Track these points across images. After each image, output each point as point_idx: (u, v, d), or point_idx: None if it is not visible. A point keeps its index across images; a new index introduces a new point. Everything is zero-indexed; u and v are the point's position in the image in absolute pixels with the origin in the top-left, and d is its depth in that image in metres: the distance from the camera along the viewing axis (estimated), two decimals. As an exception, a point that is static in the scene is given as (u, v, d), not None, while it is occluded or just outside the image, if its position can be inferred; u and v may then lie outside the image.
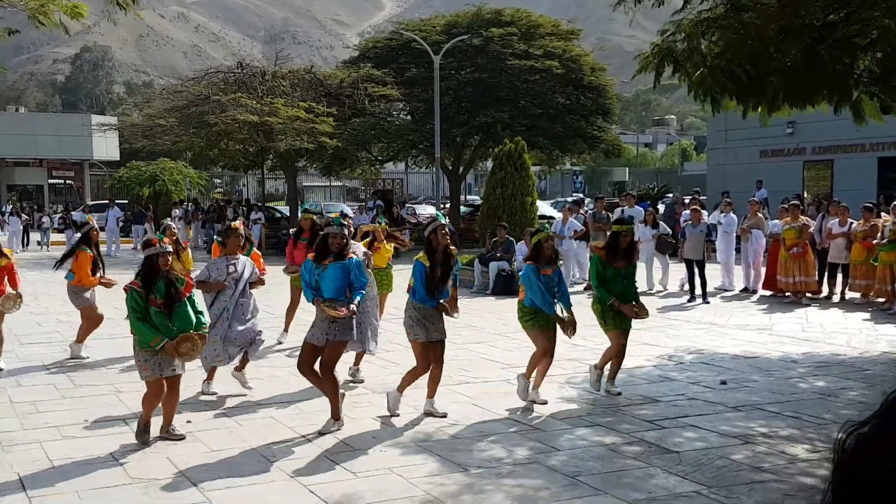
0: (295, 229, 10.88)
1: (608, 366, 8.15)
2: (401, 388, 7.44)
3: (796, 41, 8.63)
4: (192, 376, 8.34)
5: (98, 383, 8.89)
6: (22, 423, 7.31)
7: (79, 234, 11.01)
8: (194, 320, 6.64)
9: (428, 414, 7.36)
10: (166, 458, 6.27)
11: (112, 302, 10.81)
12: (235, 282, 8.28)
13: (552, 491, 5.51)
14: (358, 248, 8.36)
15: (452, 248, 7.44)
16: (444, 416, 7.32)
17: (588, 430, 6.94)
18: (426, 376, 7.40)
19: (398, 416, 7.35)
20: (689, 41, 8.89)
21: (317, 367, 7.03)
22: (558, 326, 7.68)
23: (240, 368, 8.46)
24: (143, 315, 6.46)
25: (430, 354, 7.27)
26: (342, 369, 8.84)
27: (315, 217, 11.15)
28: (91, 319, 10.24)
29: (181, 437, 6.72)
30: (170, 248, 6.77)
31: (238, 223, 8.99)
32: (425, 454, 6.33)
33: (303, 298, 11.09)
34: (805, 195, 25.57)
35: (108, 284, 10.26)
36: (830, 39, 8.51)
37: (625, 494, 5.42)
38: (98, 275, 10.21)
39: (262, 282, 8.80)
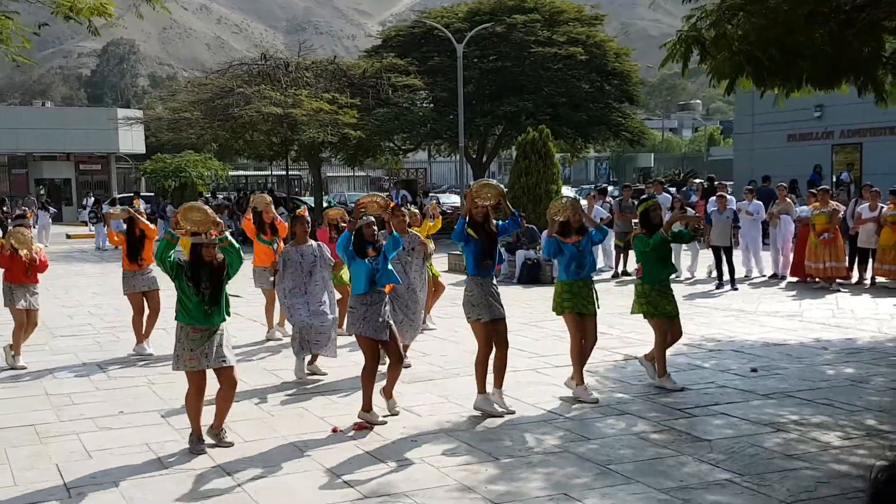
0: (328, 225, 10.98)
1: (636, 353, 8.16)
2: (481, 388, 7.17)
3: (823, 25, 8.55)
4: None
5: (131, 375, 9.02)
6: (58, 415, 7.44)
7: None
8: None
9: (485, 413, 7.09)
10: (201, 449, 6.36)
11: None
12: (309, 268, 8.64)
13: (584, 479, 5.53)
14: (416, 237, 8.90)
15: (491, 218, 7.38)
16: (513, 412, 7.08)
17: (618, 419, 6.94)
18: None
19: (502, 413, 7.09)
20: (716, 27, 8.83)
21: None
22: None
23: (312, 361, 8.80)
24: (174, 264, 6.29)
25: (493, 336, 7.08)
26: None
27: (343, 211, 11.27)
28: (136, 309, 10.13)
29: (229, 445, 6.43)
30: (214, 240, 6.74)
31: (302, 210, 9.26)
32: (456, 444, 6.37)
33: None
34: (833, 179, 25.30)
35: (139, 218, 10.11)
36: (858, 23, 8.41)
37: (657, 483, 5.43)
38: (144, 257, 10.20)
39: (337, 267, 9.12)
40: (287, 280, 8.69)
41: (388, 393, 7.24)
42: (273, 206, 11.21)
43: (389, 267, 7.15)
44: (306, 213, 9.16)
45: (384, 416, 7.03)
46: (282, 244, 10.50)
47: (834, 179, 26.46)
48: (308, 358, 8.75)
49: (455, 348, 9.86)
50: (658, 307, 7.86)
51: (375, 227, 7.17)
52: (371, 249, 7.07)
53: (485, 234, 7.18)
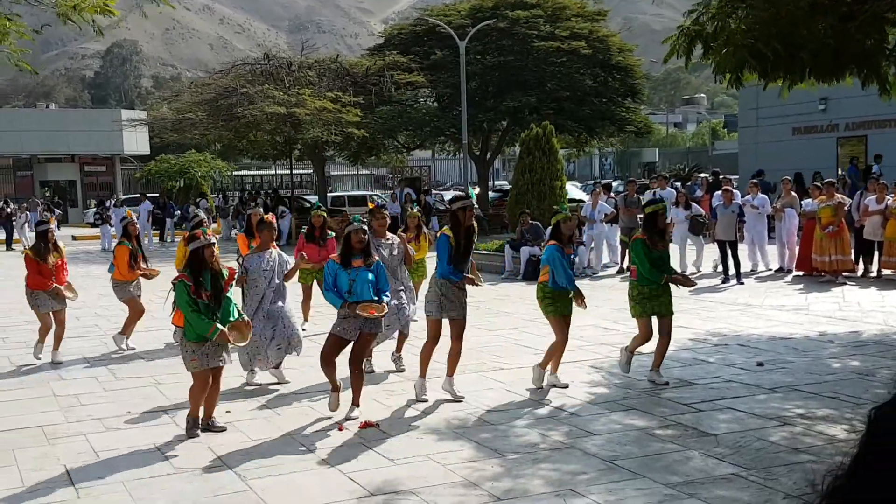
0: (306, 228, 10.94)
1: (647, 353, 8.12)
2: (422, 373, 7.60)
3: (825, 18, 8.53)
4: (228, 368, 8.46)
5: (138, 375, 9.04)
6: (66, 416, 7.46)
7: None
8: (235, 314, 6.77)
9: (448, 392, 7.51)
10: (208, 448, 6.38)
11: (149, 294, 10.95)
12: (269, 277, 8.14)
13: (590, 475, 5.54)
14: (394, 239, 8.58)
15: (475, 224, 7.59)
16: (461, 399, 7.42)
17: (623, 414, 6.94)
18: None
19: (426, 401, 7.50)
20: (717, 21, 8.83)
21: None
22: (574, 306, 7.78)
23: (277, 366, 8.40)
24: (195, 307, 6.46)
25: (440, 330, 7.44)
26: (382, 359, 8.92)
27: (325, 214, 11.21)
28: (135, 311, 10.41)
29: (222, 429, 6.82)
30: (214, 240, 6.80)
31: (270, 216, 8.92)
32: (461, 440, 6.38)
33: (314, 292, 11.14)
34: (839, 171, 25.22)
35: (149, 276, 10.40)
36: (860, 16, 8.39)
37: (663, 478, 5.42)
38: (141, 268, 10.34)
39: (291, 273, 8.65)
40: (249, 291, 8.24)
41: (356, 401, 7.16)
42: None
43: (383, 298, 7.05)
44: (274, 220, 8.75)
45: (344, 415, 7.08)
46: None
47: (841, 173, 26.30)
48: (257, 371, 8.37)
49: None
50: (645, 308, 7.80)
51: (364, 235, 6.96)
52: (358, 260, 6.93)
53: (463, 239, 7.35)
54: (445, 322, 7.47)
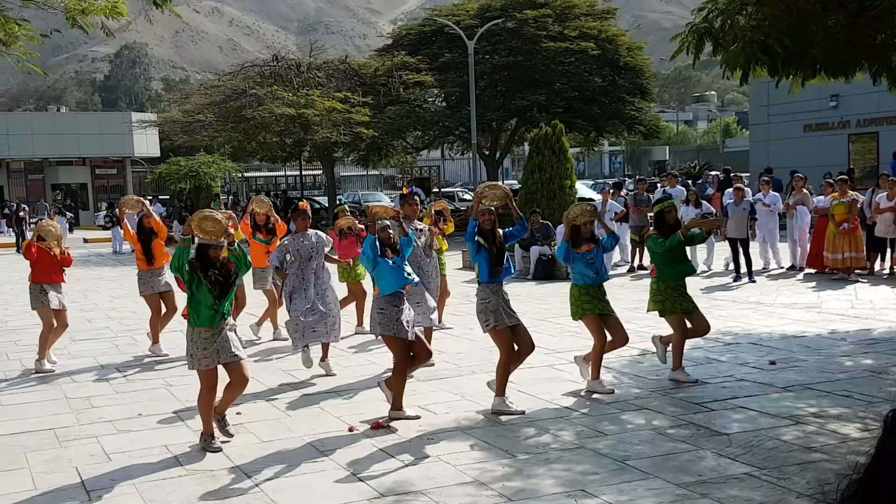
0: (336, 227, 11.02)
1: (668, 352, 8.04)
2: (500, 392, 7.08)
3: (836, 13, 8.48)
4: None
5: (149, 378, 9.06)
6: (78, 419, 7.48)
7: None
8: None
9: (499, 412, 7.07)
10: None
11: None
12: (309, 255, 8.69)
13: (601, 475, 5.51)
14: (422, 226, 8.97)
15: (498, 231, 7.41)
16: (523, 413, 7.02)
17: (634, 414, 6.91)
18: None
19: (523, 411, 7.05)
20: (726, 17, 8.80)
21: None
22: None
23: (324, 358, 8.83)
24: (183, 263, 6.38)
25: (513, 340, 7.00)
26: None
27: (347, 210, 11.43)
28: (154, 310, 10.22)
29: (230, 437, 6.55)
30: (223, 242, 6.75)
31: (305, 203, 9.44)
32: (472, 441, 6.36)
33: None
34: (851, 169, 25.01)
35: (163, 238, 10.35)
36: (871, 11, 8.34)
37: (675, 477, 5.39)
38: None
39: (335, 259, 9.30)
40: (289, 272, 8.80)
41: (393, 394, 7.09)
42: (273, 208, 11.15)
43: (407, 269, 7.16)
44: (308, 207, 9.21)
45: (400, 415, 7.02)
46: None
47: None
48: (312, 350, 8.85)
49: (471, 346, 9.86)
50: (675, 304, 7.77)
51: (391, 231, 7.19)
52: (389, 251, 7.10)
53: (494, 242, 7.14)
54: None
